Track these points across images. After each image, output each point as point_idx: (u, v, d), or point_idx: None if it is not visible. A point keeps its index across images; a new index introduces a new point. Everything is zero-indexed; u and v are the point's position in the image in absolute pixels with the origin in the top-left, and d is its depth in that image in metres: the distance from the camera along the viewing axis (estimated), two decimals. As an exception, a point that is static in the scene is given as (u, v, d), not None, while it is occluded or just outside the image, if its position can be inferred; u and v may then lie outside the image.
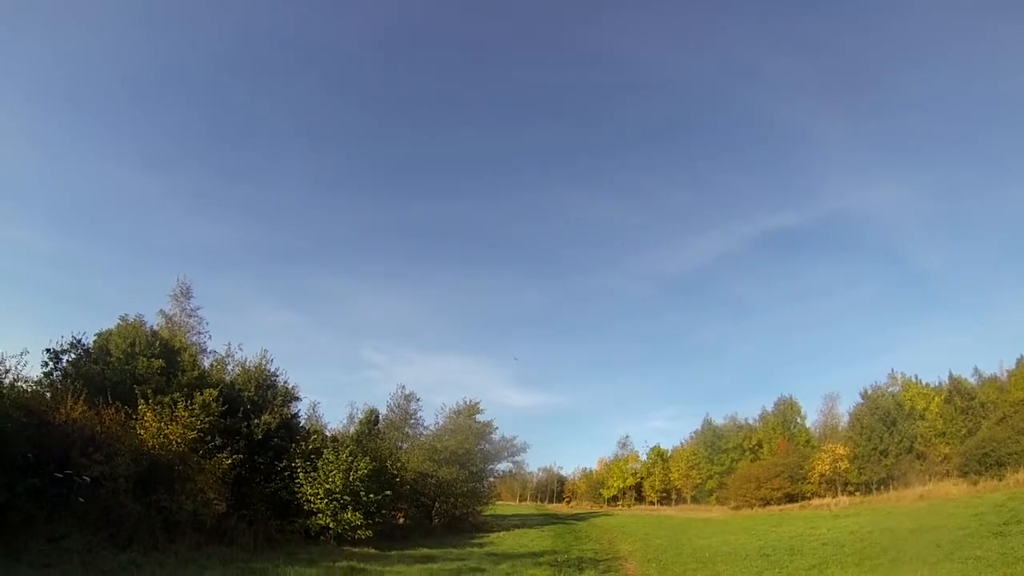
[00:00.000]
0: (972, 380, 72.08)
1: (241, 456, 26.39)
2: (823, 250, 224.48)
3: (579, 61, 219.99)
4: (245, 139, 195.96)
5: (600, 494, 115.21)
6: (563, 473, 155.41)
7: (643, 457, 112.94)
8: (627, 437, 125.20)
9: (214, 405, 26.02)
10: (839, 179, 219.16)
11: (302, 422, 35.70)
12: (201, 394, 25.94)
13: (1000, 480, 42.96)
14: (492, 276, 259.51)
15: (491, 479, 57.12)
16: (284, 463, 28.85)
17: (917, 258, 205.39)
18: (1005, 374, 75.50)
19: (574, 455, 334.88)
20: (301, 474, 28.43)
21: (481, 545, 33.31)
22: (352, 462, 29.34)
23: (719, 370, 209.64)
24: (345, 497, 28.35)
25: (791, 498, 61.56)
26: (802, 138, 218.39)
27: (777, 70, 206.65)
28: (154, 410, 23.88)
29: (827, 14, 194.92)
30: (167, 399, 24.80)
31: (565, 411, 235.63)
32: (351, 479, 28.75)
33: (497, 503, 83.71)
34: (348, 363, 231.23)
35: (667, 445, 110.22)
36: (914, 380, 67.27)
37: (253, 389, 30.19)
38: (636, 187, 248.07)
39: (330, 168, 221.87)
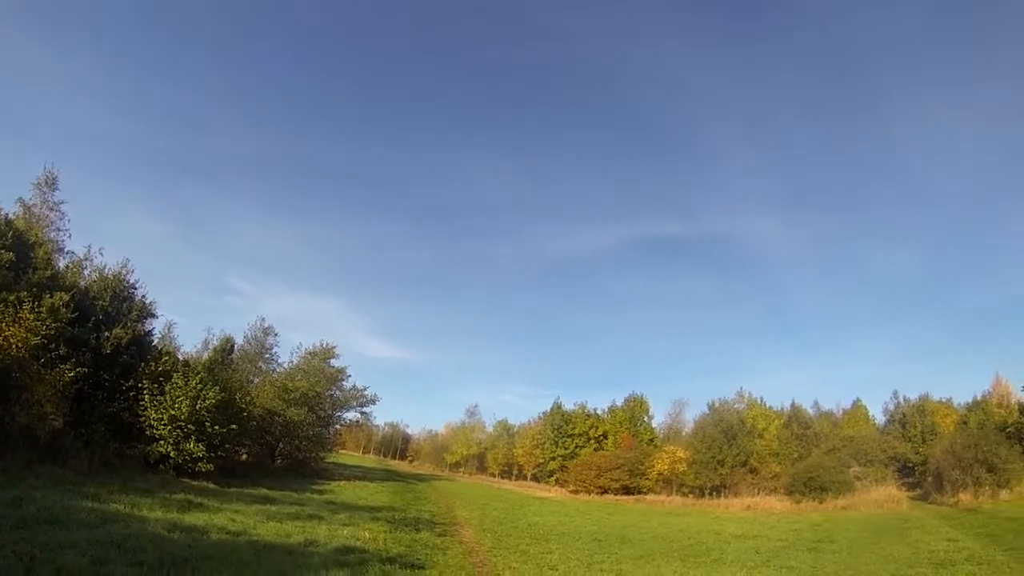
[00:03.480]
0: (811, 411, 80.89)
1: (86, 370, 25.41)
2: (700, 265, 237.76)
3: (509, 32, 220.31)
4: (142, 31, 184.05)
5: (443, 458, 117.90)
6: (409, 431, 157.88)
7: (489, 429, 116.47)
8: (476, 406, 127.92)
9: (64, 311, 25.01)
10: (729, 201, 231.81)
11: (155, 341, 34.75)
12: (51, 297, 24.88)
13: (821, 503, 47.65)
14: (379, 225, 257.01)
15: (338, 426, 57.51)
16: (131, 383, 28.12)
17: (784, 292, 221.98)
18: (840, 411, 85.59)
19: (422, 415, 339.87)
20: (147, 396, 27.87)
21: (321, 492, 34.04)
22: (201, 390, 29.08)
23: (579, 358, 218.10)
24: (189, 426, 28.13)
25: (628, 491, 64.90)
26: (705, 155, 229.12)
27: (700, 90, 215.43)
28: (-4, 307, 22.65)
29: (751, 41, 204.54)
30: (12, 297, 23.60)
31: (421, 370, 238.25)
32: (198, 408, 28.56)
33: (341, 452, 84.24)
34: (212, 287, 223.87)
35: (515, 421, 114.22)
36: (759, 402, 73.39)
37: (108, 299, 28.99)
38: (539, 168, 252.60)
39: (226, 80, 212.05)
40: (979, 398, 76.60)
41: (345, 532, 18.49)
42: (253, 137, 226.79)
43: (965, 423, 68.01)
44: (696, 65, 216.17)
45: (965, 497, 42.42)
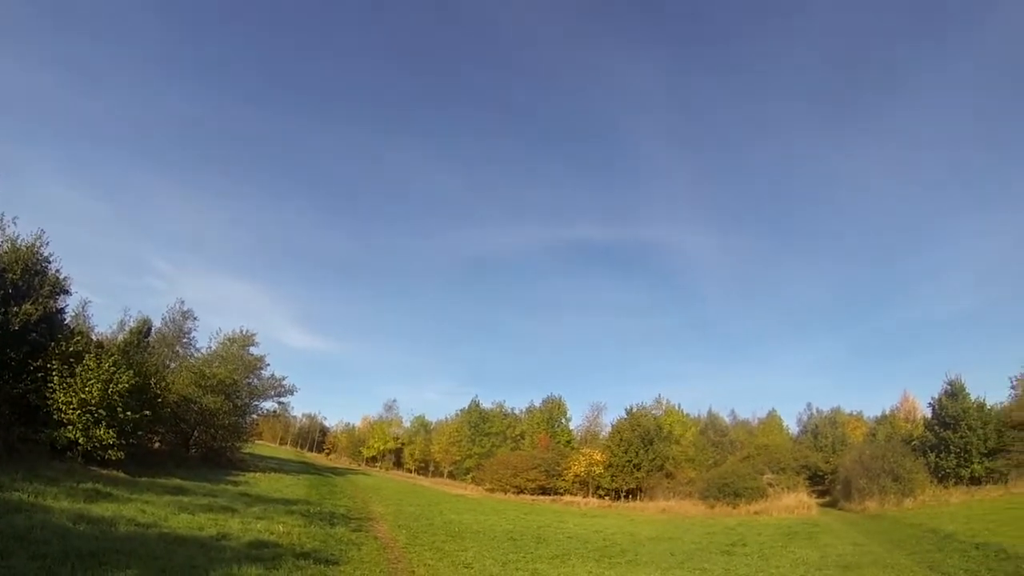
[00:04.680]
0: (727, 420, 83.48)
1: (-10, 347, 24.02)
2: (625, 272, 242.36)
3: (447, 22, 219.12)
4: None
5: (360, 452, 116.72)
6: (327, 423, 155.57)
7: (407, 424, 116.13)
8: (395, 401, 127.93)
9: (-33, 282, 23.54)
10: (658, 212, 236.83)
11: (68, 320, 32.78)
12: (-47, 266, 23.37)
13: (734, 508, 48.88)
14: (304, 213, 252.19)
15: (255, 416, 55.73)
16: (39, 363, 26.77)
17: (706, 303, 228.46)
18: (756, 421, 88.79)
19: (341, 408, 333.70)
20: (56, 378, 26.52)
21: (236, 484, 33.12)
22: (114, 373, 27.87)
23: (499, 357, 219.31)
24: (100, 411, 26.90)
25: (544, 491, 65.45)
26: (638, 165, 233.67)
27: (638, 102, 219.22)
28: None
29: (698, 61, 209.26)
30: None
31: (341, 362, 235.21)
32: (110, 392, 27.35)
33: (257, 442, 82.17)
34: (132, 266, 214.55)
35: (433, 417, 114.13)
36: (677, 409, 75.10)
37: (19, 272, 27.09)
38: (470, 165, 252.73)
39: (154, 43, 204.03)
40: (888, 412, 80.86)
41: (259, 525, 18.06)
42: (181, 108, 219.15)
43: (874, 435, 71.47)
44: (636, 77, 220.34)
45: (872, 504, 44.41)
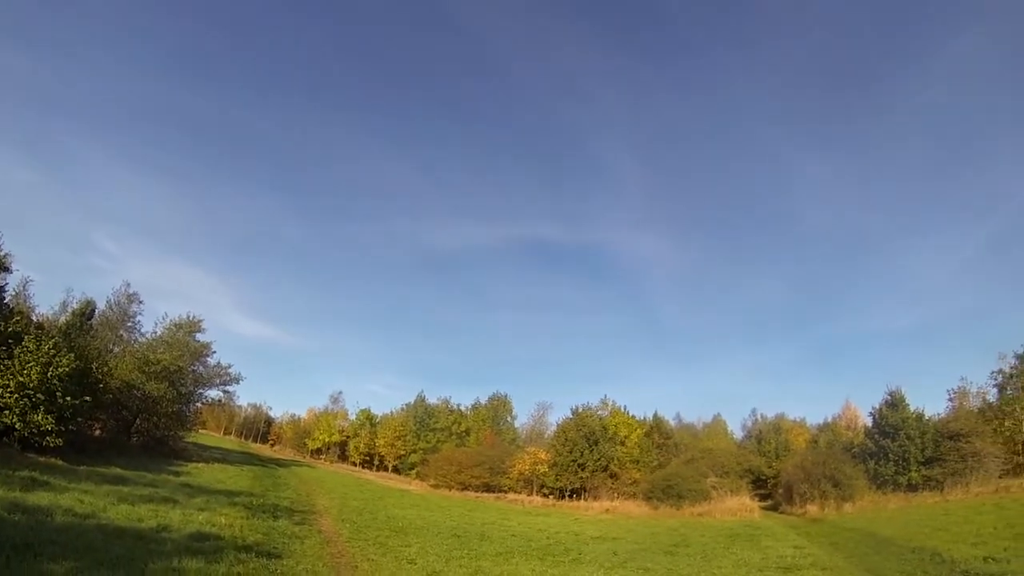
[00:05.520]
0: (673, 423, 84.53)
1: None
2: (576, 272, 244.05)
3: (408, 17, 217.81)
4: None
5: (305, 444, 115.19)
6: (272, 414, 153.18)
7: (352, 417, 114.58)
8: (341, 393, 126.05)
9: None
10: (613, 214, 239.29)
11: (7, 299, 31.65)
12: None
13: (678, 509, 49.45)
14: (255, 198, 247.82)
15: (199, 404, 54.41)
16: (-25, 343, 25.67)
17: (656, 306, 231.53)
18: (701, 424, 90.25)
19: (286, 398, 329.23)
20: (-7, 359, 25.55)
21: (178, 474, 32.34)
22: (54, 356, 27.06)
23: (447, 352, 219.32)
24: (39, 395, 25.97)
25: (489, 488, 65.36)
26: (595, 167, 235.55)
27: (598, 104, 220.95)
28: None
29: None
30: None
31: (288, 351, 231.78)
32: (49, 375, 26.49)
33: (201, 432, 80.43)
34: (77, 244, 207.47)
35: (379, 411, 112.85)
36: (622, 410, 75.60)
37: None
38: (424, 158, 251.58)
39: (107, 15, 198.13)
40: (830, 420, 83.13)
41: (201, 517, 17.64)
42: (133, 83, 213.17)
43: (816, 442, 73.23)
44: (597, 79, 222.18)
45: (812, 508, 45.47)
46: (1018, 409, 46.95)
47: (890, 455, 48.39)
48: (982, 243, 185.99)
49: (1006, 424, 47.04)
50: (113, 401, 37.65)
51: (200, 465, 41.19)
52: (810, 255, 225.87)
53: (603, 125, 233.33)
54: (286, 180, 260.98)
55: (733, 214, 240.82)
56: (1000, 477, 43.02)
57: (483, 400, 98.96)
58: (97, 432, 37.80)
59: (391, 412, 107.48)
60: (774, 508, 54.35)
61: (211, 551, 13.06)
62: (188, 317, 50.85)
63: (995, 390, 52.61)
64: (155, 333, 49.14)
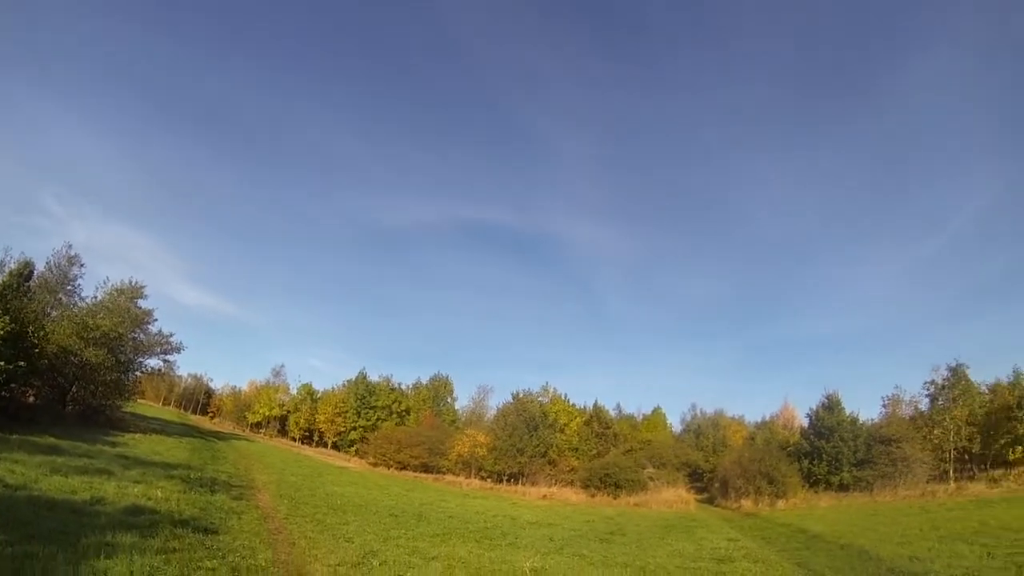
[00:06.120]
0: (613, 413, 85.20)
1: None
2: (525, 258, 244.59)
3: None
4: None
5: (245, 417, 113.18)
6: (213, 386, 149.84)
7: (294, 391, 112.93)
8: (283, 366, 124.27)
9: None
10: (565, 203, 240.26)
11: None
12: None
13: (615, 498, 50.44)
14: (202, 163, 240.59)
15: (139, 373, 52.86)
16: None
17: (602, 297, 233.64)
18: (641, 416, 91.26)
19: (228, 370, 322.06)
20: (-80, 320, 24.42)
21: (114, 444, 31.37)
22: (-12, 319, 26.09)
23: (390, 330, 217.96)
24: (-32, 358, 25.13)
25: (427, 469, 65.26)
26: (550, 155, 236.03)
27: (556, 93, 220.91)
28: None
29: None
30: None
31: (231, 322, 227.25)
32: (-19, 338, 25.63)
33: (139, 401, 78.25)
34: (19, 202, 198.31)
35: (320, 386, 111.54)
36: (563, 398, 76.14)
37: None
38: (377, 133, 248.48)
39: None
40: (767, 419, 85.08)
41: (136, 490, 17.21)
42: (84, 39, 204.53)
43: (753, 439, 74.91)
44: (557, 69, 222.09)
45: (747, 503, 46.78)
46: (948, 419, 49.02)
47: (824, 455, 50.12)
48: (923, 259, 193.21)
49: (935, 433, 49.22)
50: (49, 367, 36.30)
51: (137, 436, 40.09)
52: (757, 257, 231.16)
53: (561, 115, 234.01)
54: (237, 149, 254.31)
55: (684, 212, 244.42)
56: (927, 482, 45.10)
57: (424, 380, 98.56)
58: (31, 399, 36.40)
59: (332, 388, 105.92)
60: (709, 501, 55.62)
61: (146, 525, 12.80)
62: (130, 283, 49.35)
63: (927, 400, 55.09)
64: (95, 298, 47.39)
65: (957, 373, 51.75)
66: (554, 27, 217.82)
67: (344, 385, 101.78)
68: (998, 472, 45.36)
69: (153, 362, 52.64)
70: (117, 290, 48.32)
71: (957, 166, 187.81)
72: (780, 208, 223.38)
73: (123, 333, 45.07)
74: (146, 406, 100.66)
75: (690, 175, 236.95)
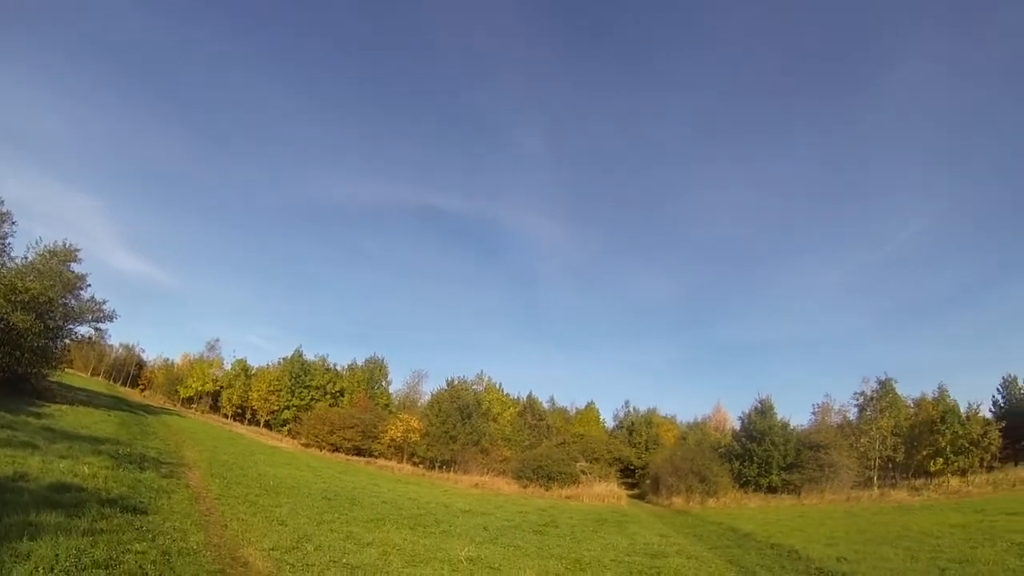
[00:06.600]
0: (546, 405, 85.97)
1: None
2: (467, 244, 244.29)
3: None
4: None
5: (177, 391, 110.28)
6: (144, 357, 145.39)
7: (228, 367, 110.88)
8: (218, 340, 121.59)
9: None
10: (511, 192, 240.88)
11: None
12: None
13: (547, 490, 50.87)
14: (147, 125, 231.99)
15: (68, 341, 50.08)
16: None
17: (544, 290, 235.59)
18: (574, 410, 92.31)
19: (160, 341, 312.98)
20: None
21: (39, 416, 29.99)
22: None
23: (327, 309, 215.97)
24: None
25: (360, 452, 64.96)
26: (502, 144, 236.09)
27: (511, 83, 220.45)
28: None
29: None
30: None
31: (167, 292, 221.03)
32: None
33: (67, 371, 75.03)
34: None
35: (255, 363, 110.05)
36: (498, 387, 76.47)
37: None
38: (325, 107, 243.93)
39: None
40: (700, 420, 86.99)
41: (62, 465, 16.45)
42: None
43: (685, 439, 76.65)
44: (517, 61, 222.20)
45: (678, 500, 47.77)
46: (875, 429, 51.02)
47: (755, 458, 51.59)
48: (861, 274, 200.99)
49: (862, 441, 51.27)
50: (-31, 330, 34.28)
51: (64, 407, 38.37)
52: (700, 260, 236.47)
53: (516, 107, 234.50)
54: (185, 116, 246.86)
55: (632, 213, 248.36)
56: (852, 488, 47.00)
57: (360, 362, 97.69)
58: (-51, 365, 34.50)
59: (268, 365, 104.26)
60: (641, 497, 56.62)
61: (72, 504, 12.25)
62: (64, 245, 46.55)
63: (856, 409, 57.34)
64: (25, 259, 44.55)
65: (886, 386, 53.94)
66: (517, 19, 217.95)
67: (280, 363, 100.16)
68: (919, 481, 47.27)
69: (83, 330, 50.05)
70: (49, 252, 45.55)
71: (903, 186, 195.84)
72: (727, 215, 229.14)
73: (53, 298, 42.56)
74: (74, 376, 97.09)
75: (640, 177, 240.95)
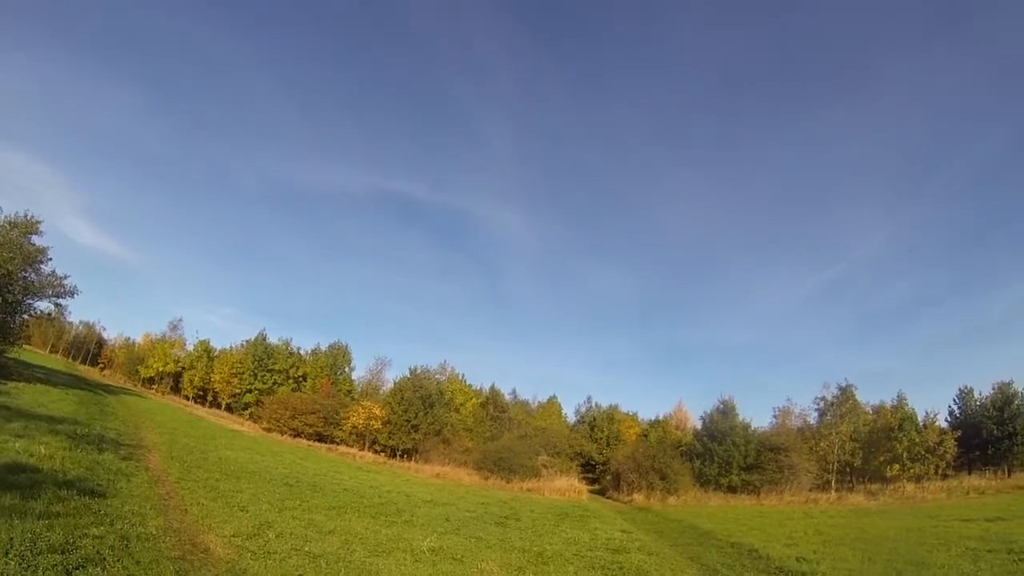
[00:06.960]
0: (508, 397, 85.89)
1: None
2: (434, 233, 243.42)
3: None
4: None
5: (138, 371, 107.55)
6: (105, 335, 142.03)
7: (190, 347, 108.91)
8: (180, 321, 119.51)
9: None
10: (480, 185, 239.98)
11: None
12: None
13: (508, 483, 50.78)
14: (118, 94, 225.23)
15: (26, 316, 48.48)
16: None
17: (507, 282, 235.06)
18: (536, 404, 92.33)
19: (121, 320, 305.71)
20: None
21: (-5, 393, 29.29)
22: None
23: (292, 292, 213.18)
24: None
25: (321, 438, 64.39)
26: (474, 137, 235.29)
27: (484, 77, 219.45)
28: None
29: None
30: None
31: (130, 269, 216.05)
32: None
33: (25, 348, 72.88)
34: None
35: (218, 344, 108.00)
36: (460, 378, 76.30)
37: None
38: (301, 92, 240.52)
39: None
40: (661, 418, 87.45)
41: (18, 445, 16.01)
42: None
43: (646, 436, 77.13)
44: (491, 54, 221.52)
45: (639, 497, 48.20)
46: (834, 433, 51.72)
47: (715, 457, 52.23)
48: (822, 285, 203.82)
49: (822, 445, 51.88)
50: (-75, 303, 33.10)
51: (20, 385, 37.43)
52: (667, 262, 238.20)
53: (488, 100, 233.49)
54: (159, 89, 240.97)
55: (602, 211, 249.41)
56: (810, 490, 47.81)
57: (324, 347, 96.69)
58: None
59: (231, 347, 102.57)
60: (601, 493, 57.02)
61: (28, 485, 11.94)
62: (25, 216, 44.63)
63: (816, 414, 57.93)
64: None
65: (846, 392, 54.61)
66: (494, 14, 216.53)
67: (243, 345, 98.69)
68: (876, 486, 48.13)
69: (43, 305, 48.40)
70: (9, 223, 43.77)
71: (865, 202, 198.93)
72: (697, 219, 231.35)
73: (12, 271, 41.17)
74: (31, 353, 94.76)
75: (607, 179, 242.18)
